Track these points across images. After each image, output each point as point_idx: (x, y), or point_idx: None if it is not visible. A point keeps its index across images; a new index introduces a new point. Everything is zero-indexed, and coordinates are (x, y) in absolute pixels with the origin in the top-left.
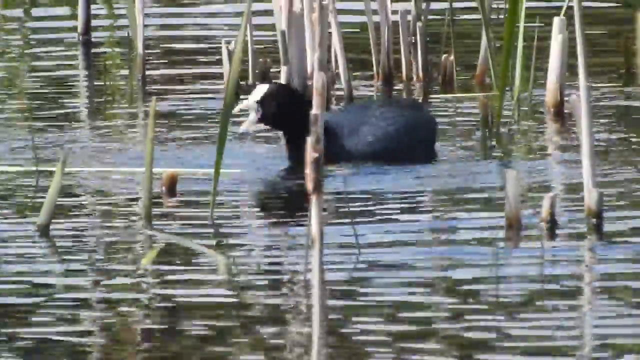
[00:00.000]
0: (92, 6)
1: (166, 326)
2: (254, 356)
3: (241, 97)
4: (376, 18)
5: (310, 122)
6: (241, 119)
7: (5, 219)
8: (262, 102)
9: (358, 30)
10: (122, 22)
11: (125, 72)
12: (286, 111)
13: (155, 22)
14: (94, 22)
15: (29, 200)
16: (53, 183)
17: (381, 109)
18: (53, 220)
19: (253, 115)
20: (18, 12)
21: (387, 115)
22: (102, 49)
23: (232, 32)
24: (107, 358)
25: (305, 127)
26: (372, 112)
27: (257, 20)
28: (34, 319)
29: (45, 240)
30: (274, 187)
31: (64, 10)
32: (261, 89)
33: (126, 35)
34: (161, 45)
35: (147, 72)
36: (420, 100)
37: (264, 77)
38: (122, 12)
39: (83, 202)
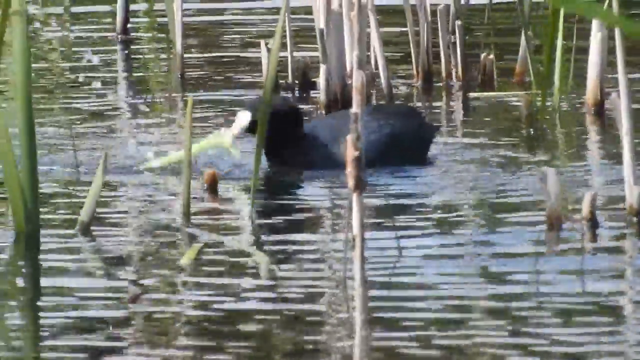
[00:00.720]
0: (131, 4)
1: (205, 325)
2: (294, 358)
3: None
4: (415, 16)
5: (350, 120)
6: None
7: (49, 216)
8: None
9: (397, 28)
10: (161, 20)
11: (164, 71)
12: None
13: (194, 20)
14: (132, 20)
15: (71, 198)
16: (94, 182)
17: (367, 117)
18: (94, 219)
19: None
20: (58, 9)
21: (371, 125)
22: (140, 47)
23: (271, 29)
24: (147, 356)
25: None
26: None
27: (295, 18)
28: (76, 317)
29: (86, 239)
30: (313, 185)
31: (103, 8)
32: (244, 116)
33: (165, 33)
34: (200, 43)
35: (186, 71)
36: (416, 107)
37: (303, 75)
38: (161, 10)
39: (124, 201)
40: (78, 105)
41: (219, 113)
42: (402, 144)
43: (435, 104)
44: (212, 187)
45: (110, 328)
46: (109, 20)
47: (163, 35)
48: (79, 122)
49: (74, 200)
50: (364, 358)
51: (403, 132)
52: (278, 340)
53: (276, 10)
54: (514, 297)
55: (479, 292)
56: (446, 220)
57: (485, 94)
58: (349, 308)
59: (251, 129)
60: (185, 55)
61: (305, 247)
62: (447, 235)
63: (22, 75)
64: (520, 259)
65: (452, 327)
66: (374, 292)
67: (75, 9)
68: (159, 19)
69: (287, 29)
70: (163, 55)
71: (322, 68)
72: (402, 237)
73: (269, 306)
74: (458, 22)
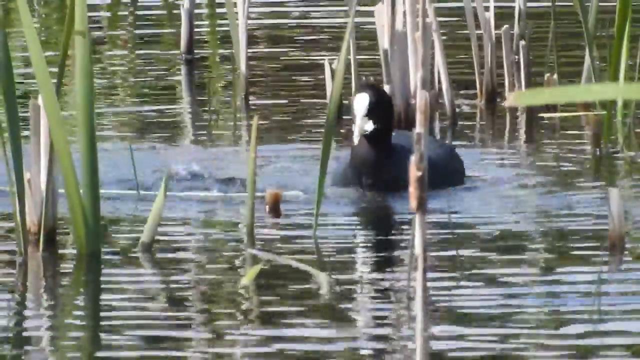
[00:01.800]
0: (195, 24)
1: (268, 344)
2: None
3: (351, 125)
4: (479, 34)
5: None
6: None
7: (110, 236)
8: (370, 113)
9: (461, 48)
10: (226, 40)
11: (228, 90)
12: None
13: (259, 37)
14: (196, 39)
15: (132, 218)
16: (156, 202)
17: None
18: (156, 238)
19: (364, 125)
20: (121, 32)
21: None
22: (204, 67)
23: (335, 49)
24: None
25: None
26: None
27: (359, 38)
28: (136, 335)
29: (148, 258)
30: (376, 203)
31: (167, 29)
32: (362, 101)
33: (229, 53)
34: (265, 64)
35: (250, 90)
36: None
37: None
38: (226, 30)
39: (185, 221)
40: (140, 125)
41: (281, 135)
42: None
43: (498, 124)
44: (275, 207)
45: (171, 350)
46: (173, 40)
47: (228, 55)
48: (141, 141)
49: (135, 220)
50: None
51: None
52: (340, 356)
53: (339, 27)
54: (575, 321)
55: (539, 316)
56: (508, 242)
57: (550, 114)
58: (411, 327)
59: (371, 111)
60: (250, 74)
61: (368, 266)
62: (509, 258)
63: (84, 97)
64: (583, 283)
65: (512, 350)
66: (436, 312)
67: (140, 32)
68: (224, 39)
69: (351, 49)
70: (227, 76)
71: (386, 88)
72: (463, 259)
73: (332, 326)
74: (522, 42)
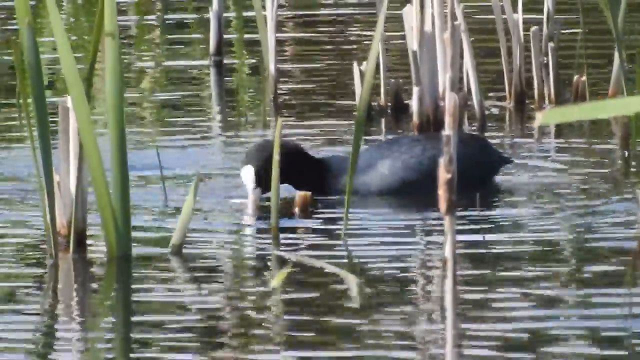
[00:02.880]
0: (225, 28)
1: (297, 346)
2: None
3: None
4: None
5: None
6: None
7: (139, 239)
8: (258, 181)
9: (490, 50)
10: (256, 42)
11: (257, 93)
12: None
13: (288, 40)
14: (226, 42)
15: (162, 222)
16: (186, 204)
17: (411, 143)
18: (185, 241)
19: (254, 194)
20: (151, 36)
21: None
22: (233, 70)
23: (363, 50)
24: None
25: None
26: (399, 148)
27: (388, 40)
28: (167, 337)
29: (178, 261)
30: (404, 206)
31: (196, 33)
32: (248, 173)
33: (258, 56)
34: (294, 67)
35: (279, 93)
36: (480, 136)
37: (395, 97)
38: (255, 32)
39: (214, 223)
40: (168, 127)
41: (310, 138)
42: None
43: (527, 126)
44: (304, 209)
45: (202, 351)
46: (203, 44)
47: (257, 57)
48: (169, 143)
49: (165, 224)
50: None
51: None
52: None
53: (365, 27)
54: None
55: (570, 319)
56: (538, 245)
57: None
58: (441, 327)
59: (260, 179)
60: (278, 76)
61: (398, 268)
62: (539, 260)
63: (114, 98)
64: (611, 287)
65: (542, 352)
66: (466, 312)
67: (170, 36)
68: (253, 41)
69: (380, 51)
70: (256, 78)
71: (415, 90)
72: (494, 260)
73: (362, 327)
74: (551, 44)
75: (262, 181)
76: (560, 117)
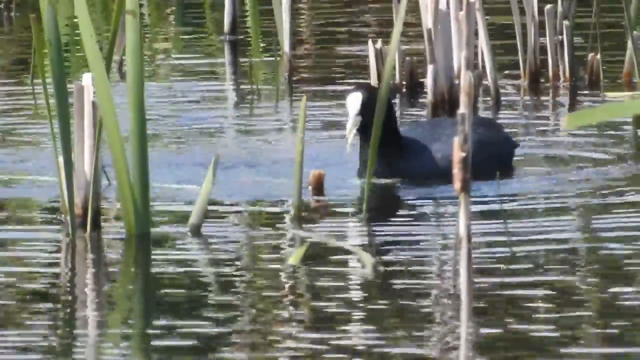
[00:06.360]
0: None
1: (313, 324)
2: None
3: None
4: (523, 16)
5: (457, 121)
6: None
7: (160, 220)
8: (362, 112)
9: (504, 28)
10: (269, 21)
11: (271, 71)
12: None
13: (303, 20)
14: (240, 20)
15: (181, 199)
16: (205, 184)
17: (454, 127)
18: (205, 221)
19: (355, 119)
20: (165, 14)
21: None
22: (248, 48)
23: (376, 28)
24: (257, 357)
25: (393, 126)
26: (444, 130)
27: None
28: (186, 316)
29: (197, 241)
30: (419, 184)
31: (210, 10)
32: (355, 100)
33: (273, 35)
34: (308, 45)
35: (294, 72)
36: (495, 120)
37: (410, 75)
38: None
39: (233, 202)
40: (186, 106)
41: (326, 116)
42: (490, 153)
43: (542, 104)
44: (319, 187)
45: (221, 329)
46: (217, 22)
47: (271, 37)
48: (187, 121)
49: (184, 201)
50: (469, 352)
51: (491, 142)
52: (383, 339)
53: (385, 10)
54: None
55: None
56: (553, 224)
57: (592, 96)
58: (456, 307)
59: (365, 107)
60: (294, 56)
61: (415, 244)
62: (556, 240)
63: (134, 74)
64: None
65: (559, 330)
66: (481, 291)
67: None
68: (267, 20)
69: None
70: (271, 57)
71: (430, 68)
72: (511, 239)
73: (376, 305)
74: (566, 22)
75: (366, 112)
76: (585, 119)
